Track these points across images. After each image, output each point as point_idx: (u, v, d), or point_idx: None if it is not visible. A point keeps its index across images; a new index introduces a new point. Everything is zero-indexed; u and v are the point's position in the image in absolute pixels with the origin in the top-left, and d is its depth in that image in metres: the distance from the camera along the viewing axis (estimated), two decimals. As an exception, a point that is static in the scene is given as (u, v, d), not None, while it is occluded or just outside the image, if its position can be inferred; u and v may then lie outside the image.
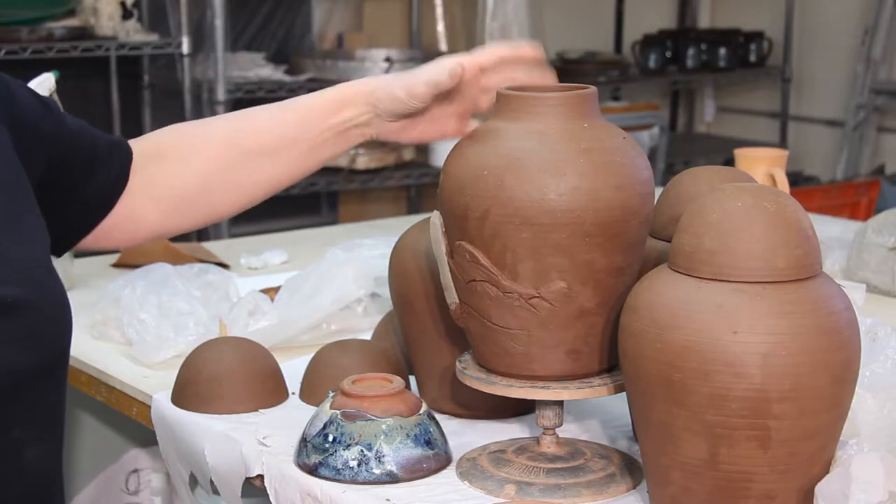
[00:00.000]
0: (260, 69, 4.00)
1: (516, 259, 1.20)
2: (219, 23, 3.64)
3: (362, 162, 3.93)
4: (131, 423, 1.64)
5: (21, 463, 1.11)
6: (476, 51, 1.34)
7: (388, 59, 4.01)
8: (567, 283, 1.20)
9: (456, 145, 1.27)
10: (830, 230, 2.26)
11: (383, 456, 1.27)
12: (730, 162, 2.03)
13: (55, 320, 1.14)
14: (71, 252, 1.63)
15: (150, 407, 1.54)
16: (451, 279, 1.26)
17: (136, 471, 1.95)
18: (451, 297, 1.27)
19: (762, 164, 1.96)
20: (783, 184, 1.92)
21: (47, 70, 1.92)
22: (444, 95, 1.33)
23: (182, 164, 1.37)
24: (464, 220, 1.22)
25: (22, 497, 1.12)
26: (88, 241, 1.36)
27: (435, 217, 1.25)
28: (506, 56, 1.33)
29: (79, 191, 1.31)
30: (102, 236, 1.36)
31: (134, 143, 1.38)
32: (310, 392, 1.51)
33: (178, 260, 2.01)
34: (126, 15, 3.63)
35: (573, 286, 1.21)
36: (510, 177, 1.19)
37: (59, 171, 1.28)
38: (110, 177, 1.34)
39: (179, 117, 3.77)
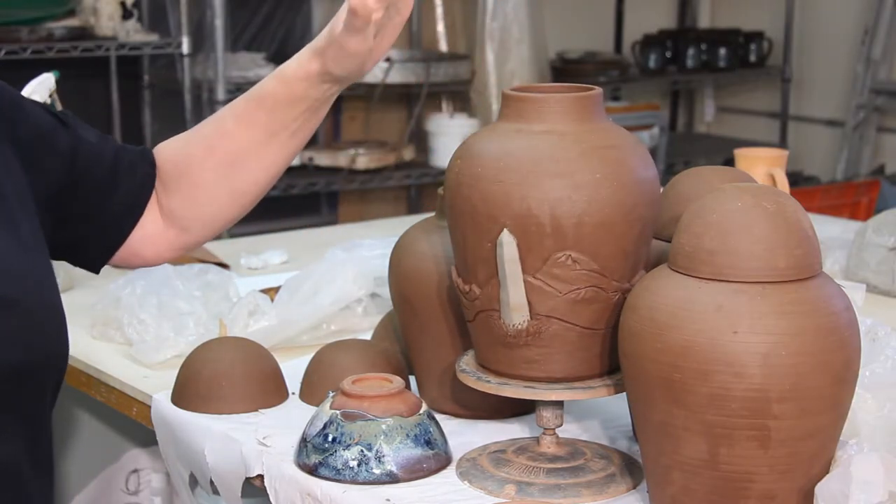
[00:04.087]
0: (260, 69, 4.00)
1: (610, 258, 1.21)
2: (219, 23, 3.64)
3: (362, 162, 3.93)
4: (131, 423, 1.64)
5: None
6: None
7: (388, 59, 4.00)
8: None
9: (473, 159, 1.23)
10: (830, 230, 2.26)
11: (383, 456, 1.27)
12: (730, 162, 2.03)
13: (45, 323, 1.14)
14: None
15: (150, 407, 1.54)
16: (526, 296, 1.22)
17: (136, 471, 1.95)
18: (522, 316, 1.22)
19: (762, 164, 1.96)
20: (783, 184, 1.92)
21: (47, 70, 1.92)
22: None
23: (179, 185, 1.36)
24: (558, 230, 1.19)
25: None
26: (122, 256, 1.37)
27: (506, 236, 1.20)
28: None
29: (104, 203, 1.31)
30: (132, 253, 1.37)
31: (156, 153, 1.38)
32: (310, 392, 1.51)
33: (178, 260, 2.01)
34: (126, 15, 3.63)
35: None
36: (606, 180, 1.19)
37: (80, 184, 1.28)
38: (134, 187, 1.34)
39: (179, 117, 3.77)
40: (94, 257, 1.35)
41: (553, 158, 1.19)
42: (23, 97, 1.27)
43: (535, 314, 1.22)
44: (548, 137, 1.21)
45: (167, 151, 1.38)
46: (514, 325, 1.23)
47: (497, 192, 1.20)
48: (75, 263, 1.37)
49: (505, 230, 1.20)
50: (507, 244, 1.20)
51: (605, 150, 1.21)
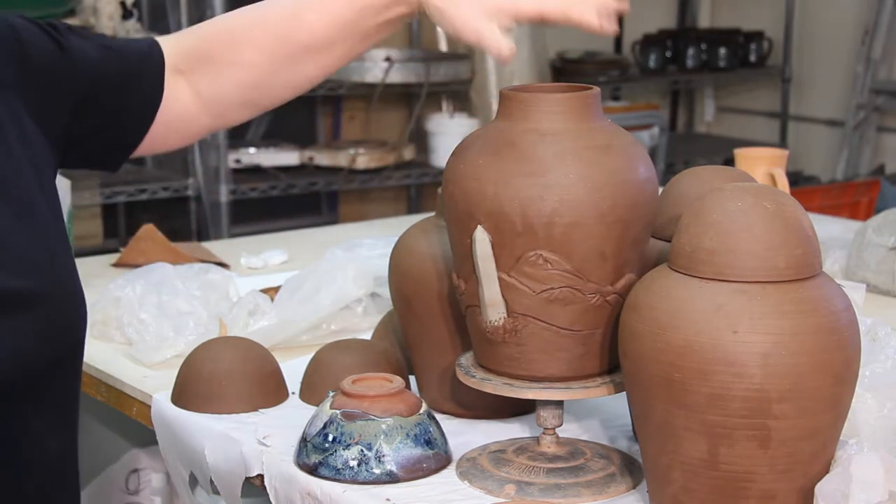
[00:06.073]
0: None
1: (585, 259, 1.20)
2: (219, 23, 3.64)
3: (362, 162, 3.93)
4: (131, 423, 1.64)
5: (42, 452, 1.12)
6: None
7: (387, 59, 4.00)
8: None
9: (460, 156, 1.24)
10: (830, 230, 2.26)
11: (383, 456, 1.27)
12: (730, 162, 2.03)
13: (70, 312, 1.14)
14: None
15: (150, 407, 1.54)
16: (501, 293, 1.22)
17: (136, 471, 1.95)
18: (498, 313, 1.23)
19: (762, 164, 1.96)
20: (783, 184, 1.92)
21: (47, 70, 1.91)
22: None
23: (231, 70, 1.34)
24: (528, 229, 1.18)
25: (42, 485, 1.13)
26: (144, 149, 1.35)
27: (480, 232, 1.20)
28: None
29: (117, 112, 1.29)
30: (157, 141, 1.34)
31: (179, 41, 1.35)
32: (310, 392, 1.51)
33: (178, 260, 2.01)
34: (126, 15, 3.63)
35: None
36: (574, 181, 1.18)
37: (89, 102, 1.26)
38: (146, 89, 1.31)
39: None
40: (112, 160, 1.33)
41: (526, 158, 1.19)
42: (17, 23, 1.24)
43: (511, 312, 1.22)
44: (527, 136, 1.21)
45: (211, 31, 1.37)
46: (491, 322, 1.24)
47: (474, 188, 1.21)
48: (93, 167, 1.35)
49: (479, 227, 1.20)
50: (480, 241, 1.21)
51: (586, 151, 1.20)
